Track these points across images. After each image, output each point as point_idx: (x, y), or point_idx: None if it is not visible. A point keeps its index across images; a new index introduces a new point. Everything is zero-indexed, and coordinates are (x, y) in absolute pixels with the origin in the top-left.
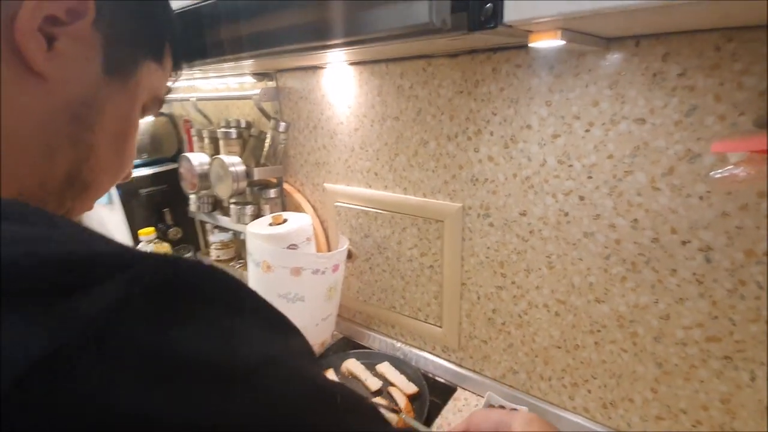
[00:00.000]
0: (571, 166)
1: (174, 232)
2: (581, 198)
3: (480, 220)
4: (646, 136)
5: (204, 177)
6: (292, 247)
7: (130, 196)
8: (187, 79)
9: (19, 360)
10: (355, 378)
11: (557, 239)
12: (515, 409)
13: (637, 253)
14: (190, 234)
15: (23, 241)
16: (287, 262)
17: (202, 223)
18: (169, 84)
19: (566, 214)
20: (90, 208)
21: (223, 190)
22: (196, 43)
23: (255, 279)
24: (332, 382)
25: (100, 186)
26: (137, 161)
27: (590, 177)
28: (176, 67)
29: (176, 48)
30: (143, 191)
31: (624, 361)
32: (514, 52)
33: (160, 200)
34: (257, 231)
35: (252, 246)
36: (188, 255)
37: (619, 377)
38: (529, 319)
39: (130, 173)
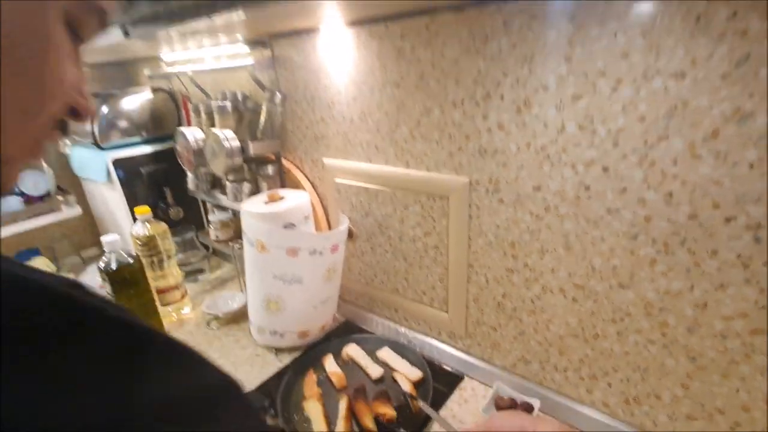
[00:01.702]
0: (594, 131)
1: (175, 212)
2: (605, 169)
3: (489, 195)
4: (686, 93)
5: (200, 153)
6: (289, 226)
7: (131, 174)
8: (184, 51)
9: None
10: (356, 364)
11: (576, 217)
12: (527, 402)
13: (670, 233)
14: (193, 213)
15: None
16: (283, 241)
17: (204, 202)
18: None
19: (587, 188)
20: (18, 157)
21: (217, 166)
22: None
23: (250, 259)
24: None
25: (11, 127)
26: (137, 139)
27: (616, 144)
28: None
29: None
30: (144, 169)
31: (651, 353)
32: (527, 2)
33: (162, 179)
34: (252, 209)
35: (247, 225)
36: (190, 235)
37: (645, 371)
38: (543, 305)
39: (84, 110)
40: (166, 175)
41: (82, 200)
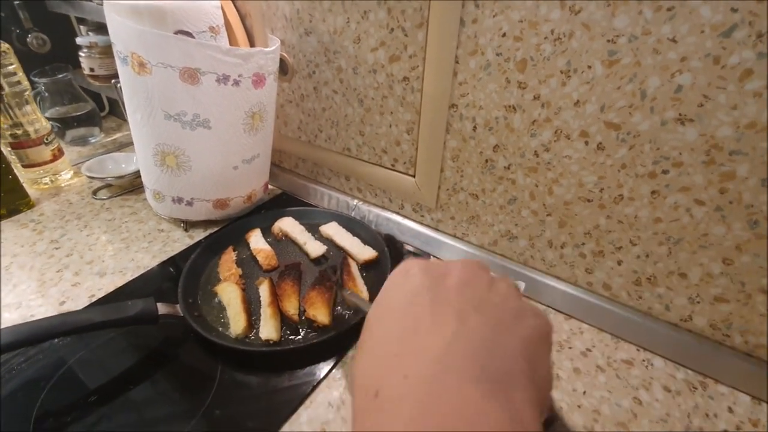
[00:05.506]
0: None
1: (37, 42)
2: None
3: None
4: None
5: None
6: (183, 34)
7: None
8: None
9: None
10: (292, 241)
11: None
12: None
13: None
14: (68, 43)
15: None
16: (172, 56)
17: (80, 23)
18: None
19: None
20: None
21: None
22: None
23: (127, 88)
24: None
25: None
26: None
27: None
28: None
29: None
30: None
31: (694, 219)
32: None
33: None
34: (120, 1)
35: (113, 29)
36: (64, 75)
37: (677, 243)
38: (551, 158)
39: None
40: None
41: None
